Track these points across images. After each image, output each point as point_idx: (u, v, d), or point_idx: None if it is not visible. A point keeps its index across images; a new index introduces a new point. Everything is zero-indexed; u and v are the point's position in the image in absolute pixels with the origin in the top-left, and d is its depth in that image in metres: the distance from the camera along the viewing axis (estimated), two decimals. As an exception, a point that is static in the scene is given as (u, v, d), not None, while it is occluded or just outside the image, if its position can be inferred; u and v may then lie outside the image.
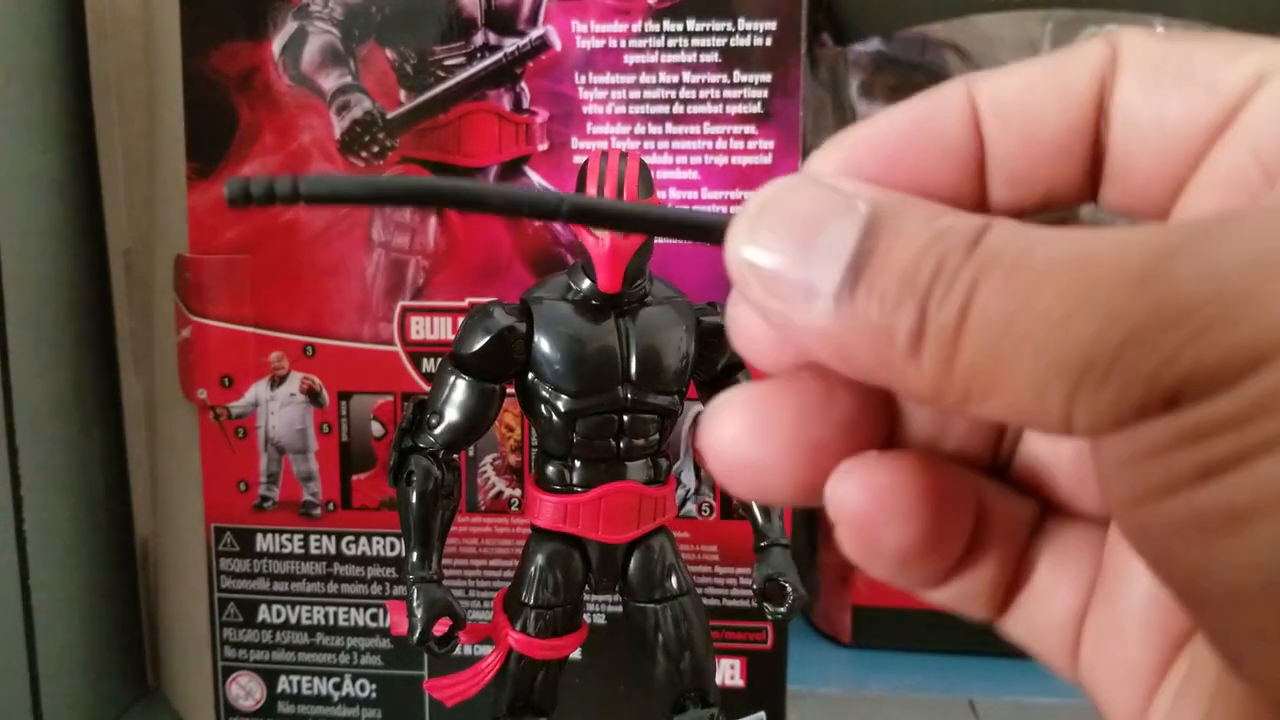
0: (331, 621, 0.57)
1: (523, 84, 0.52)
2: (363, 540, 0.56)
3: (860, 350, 0.16)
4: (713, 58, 0.51)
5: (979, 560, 0.20)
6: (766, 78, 0.51)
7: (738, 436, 0.18)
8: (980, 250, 0.16)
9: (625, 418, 0.41)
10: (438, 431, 0.42)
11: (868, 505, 0.18)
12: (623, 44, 0.51)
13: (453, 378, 0.42)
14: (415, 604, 0.42)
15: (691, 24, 0.51)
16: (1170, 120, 0.18)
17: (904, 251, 0.16)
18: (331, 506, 0.56)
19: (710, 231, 0.19)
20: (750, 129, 0.52)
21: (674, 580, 0.44)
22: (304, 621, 0.57)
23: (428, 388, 0.50)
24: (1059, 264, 0.15)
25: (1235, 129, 0.17)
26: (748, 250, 0.17)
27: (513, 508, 0.55)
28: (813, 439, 0.18)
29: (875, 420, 0.19)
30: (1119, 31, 0.19)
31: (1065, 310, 0.15)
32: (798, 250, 0.17)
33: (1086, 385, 0.15)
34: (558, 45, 0.52)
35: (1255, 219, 0.14)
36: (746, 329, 0.19)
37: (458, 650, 0.43)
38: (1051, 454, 0.20)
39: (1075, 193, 0.19)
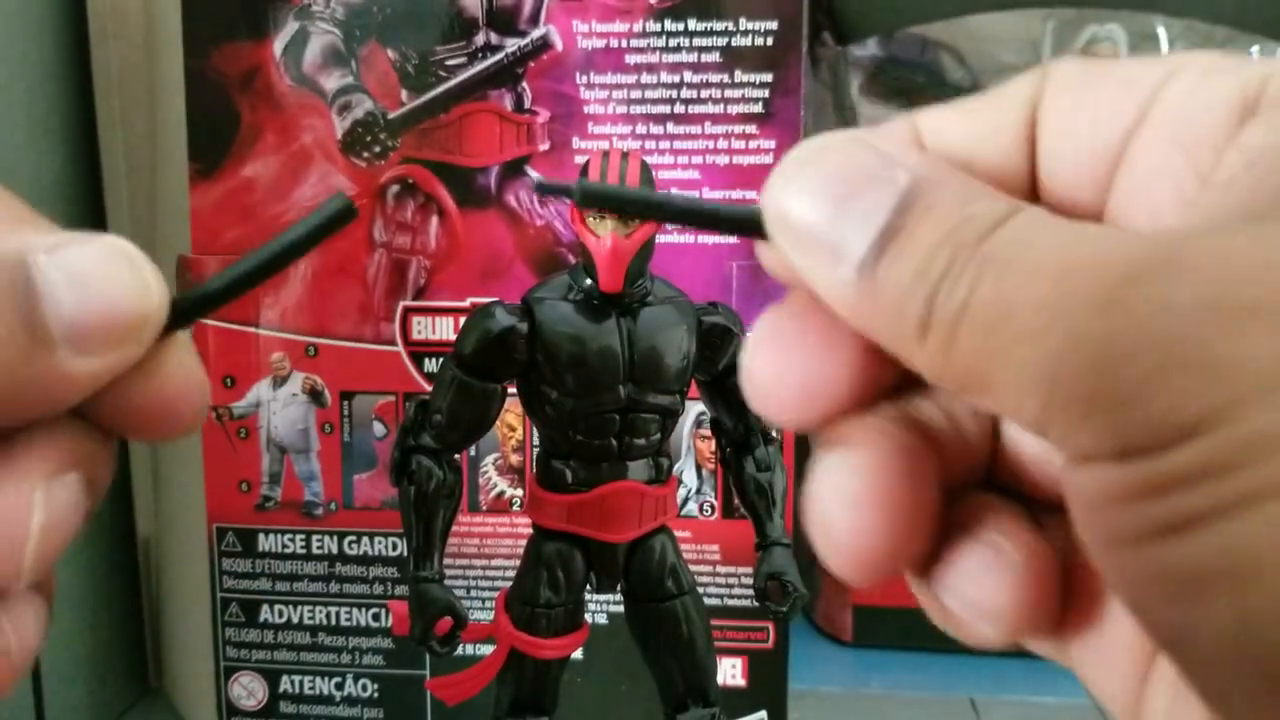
0: (333, 621, 0.57)
1: (524, 84, 0.52)
2: (365, 540, 0.56)
3: (876, 321, 0.17)
4: (714, 57, 0.51)
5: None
6: (767, 77, 0.51)
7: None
8: (989, 244, 0.16)
9: (626, 417, 0.41)
10: (440, 431, 0.42)
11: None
12: (624, 44, 0.51)
13: (454, 377, 0.42)
14: (417, 604, 0.42)
15: (693, 24, 0.51)
16: (1088, 119, 0.18)
17: (928, 235, 0.16)
18: (334, 506, 0.56)
19: (747, 223, 0.19)
20: (751, 129, 0.52)
21: (675, 580, 0.44)
22: (306, 621, 0.57)
23: (429, 387, 0.50)
24: (1045, 269, 0.15)
25: (1151, 118, 0.17)
26: (784, 198, 0.17)
27: (514, 507, 0.55)
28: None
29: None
30: (1052, 62, 0.20)
31: (1041, 324, 0.15)
32: (833, 209, 0.17)
33: (1056, 405, 0.15)
34: (559, 45, 0.52)
35: (1218, 250, 0.14)
36: (763, 383, 0.19)
37: (459, 650, 0.43)
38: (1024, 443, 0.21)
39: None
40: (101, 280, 0.18)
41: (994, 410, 0.16)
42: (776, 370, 0.19)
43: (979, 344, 0.15)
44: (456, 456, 0.43)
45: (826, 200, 0.17)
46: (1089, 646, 0.19)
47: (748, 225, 0.18)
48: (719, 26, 0.51)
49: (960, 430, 0.20)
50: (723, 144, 0.52)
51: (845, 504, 0.18)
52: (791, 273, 0.18)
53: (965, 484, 0.20)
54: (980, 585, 0.18)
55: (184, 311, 0.19)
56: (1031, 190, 0.19)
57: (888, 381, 0.19)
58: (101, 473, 0.19)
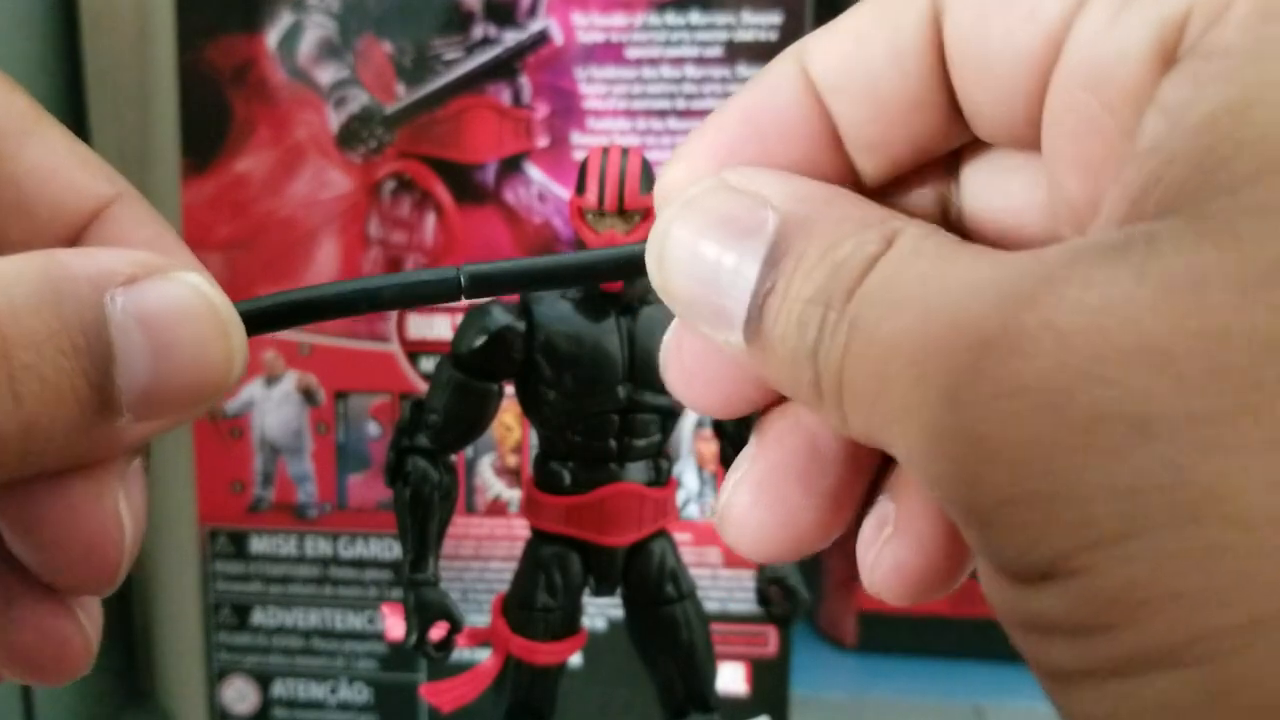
0: (327, 625, 0.56)
1: (522, 78, 0.52)
2: (359, 542, 0.55)
3: (777, 380, 0.16)
4: (716, 52, 0.51)
5: None
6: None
7: (750, 514, 0.18)
8: (855, 302, 0.15)
9: (625, 418, 0.41)
10: (435, 432, 0.41)
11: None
12: (624, 37, 0.51)
13: (451, 377, 0.41)
14: (412, 607, 0.41)
15: (695, 17, 0.51)
16: (996, 55, 0.16)
17: (801, 290, 0.15)
18: (327, 508, 0.55)
19: (630, 264, 0.18)
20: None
21: (675, 584, 0.43)
22: (299, 625, 0.56)
23: (425, 387, 0.49)
24: (905, 339, 0.14)
25: (1065, 61, 0.15)
26: (662, 273, 0.17)
27: (511, 509, 0.54)
28: (815, 501, 0.18)
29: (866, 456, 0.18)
30: None
31: (905, 408, 0.14)
32: (708, 279, 0.16)
33: (940, 497, 0.14)
34: (558, 39, 0.51)
35: (1072, 309, 0.12)
36: (680, 366, 0.18)
37: (455, 655, 0.42)
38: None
39: (945, 139, 0.17)
40: (187, 347, 0.16)
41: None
42: (693, 367, 0.18)
43: (864, 416, 0.15)
44: (452, 457, 0.42)
45: (697, 271, 0.16)
46: None
47: (634, 267, 0.18)
48: (721, 20, 0.51)
49: None
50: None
51: (745, 493, 0.18)
52: (696, 375, 0.18)
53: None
54: (868, 551, 0.18)
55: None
56: (956, 115, 0.17)
57: None
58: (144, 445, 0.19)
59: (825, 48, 0.17)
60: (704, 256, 0.16)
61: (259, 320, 0.18)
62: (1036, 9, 0.16)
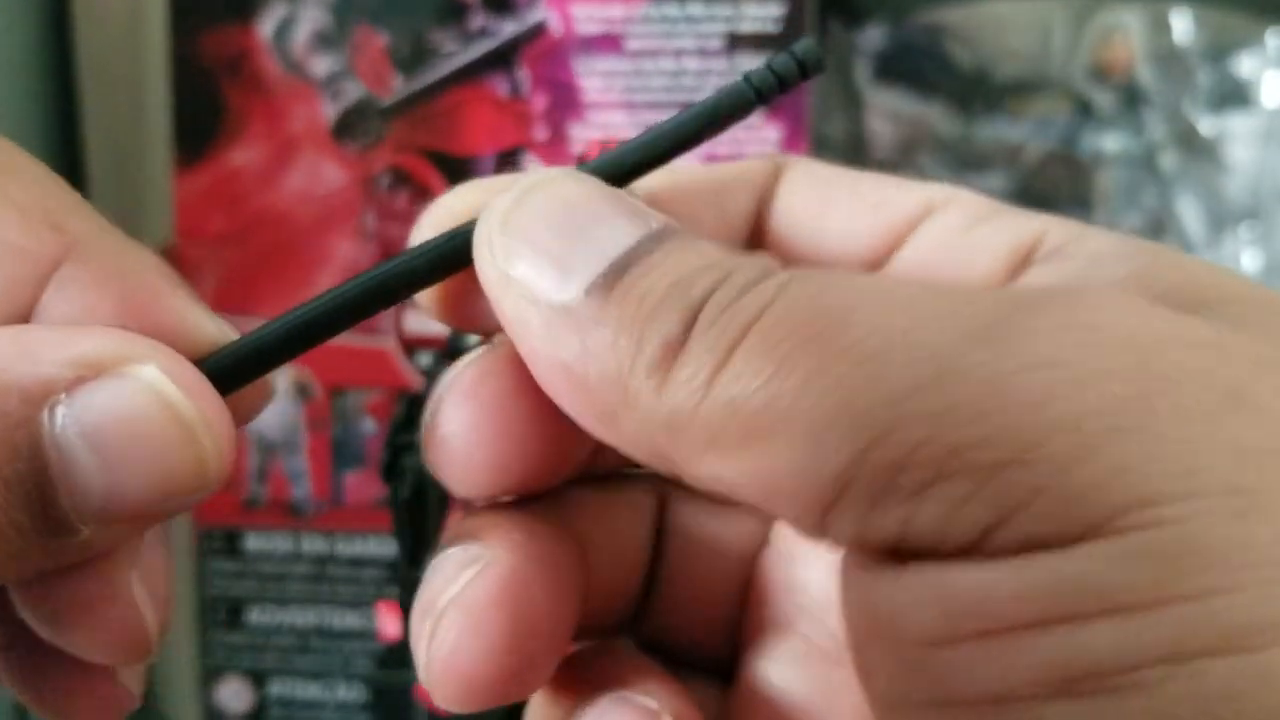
0: (323, 624, 0.56)
1: (520, 70, 0.51)
2: (355, 540, 0.55)
3: (595, 355, 0.13)
4: (717, 44, 0.50)
5: None
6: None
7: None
8: (784, 281, 0.14)
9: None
10: (432, 429, 0.41)
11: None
12: (624, 29, 0.50)
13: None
14: (409, 606, 0.41)
15: (695, 9, 0.50)
16: (832, 234, 0.16)
17: (685, 262, 0.14)
18: (323, 505, 0.55)
19: (456, 252, 0.16)
20: (755, 117, 0.51)
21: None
22: (295, 624, 0.56)
23: (422, 383, 0.49)
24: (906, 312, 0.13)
25: (908, 252, 0.16)
26: (501, 226, 0.15)
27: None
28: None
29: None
30: (784, 157, 0.18)
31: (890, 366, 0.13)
32: (562, 232, 0.14)
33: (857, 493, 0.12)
34: (557, 30, 0.51)
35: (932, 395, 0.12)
36: (446, 440, 0.16)
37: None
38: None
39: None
40: (143, 460, 0.14)
41: (734, 480, 0.13)
42: (470, 429, 0.16)
43: (754, 382, 0.13)
44: (450, 455, 0.42)
45: (556, 223, 0.15)
46: None
47: (449, 261, 0.16)
48: (722, 12, 0.50)
49: (615, 559, 0.18)
50: (726, 133, 0.51)
51: (464, 607, 0.16)
52: (464, 454, 0.16)
53: (604, 626, 0.18)
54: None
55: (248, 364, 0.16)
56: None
57: (564, 472, 0.17)
58: None
59: (660, 180, 0.18)
60: (567, 217, 0.15)
61: (295, 339, 0.16)
62: (882, 203, 0.16)
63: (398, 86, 0.52)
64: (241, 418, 0.17)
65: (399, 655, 0.55)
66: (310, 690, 0.56)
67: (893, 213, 0.16)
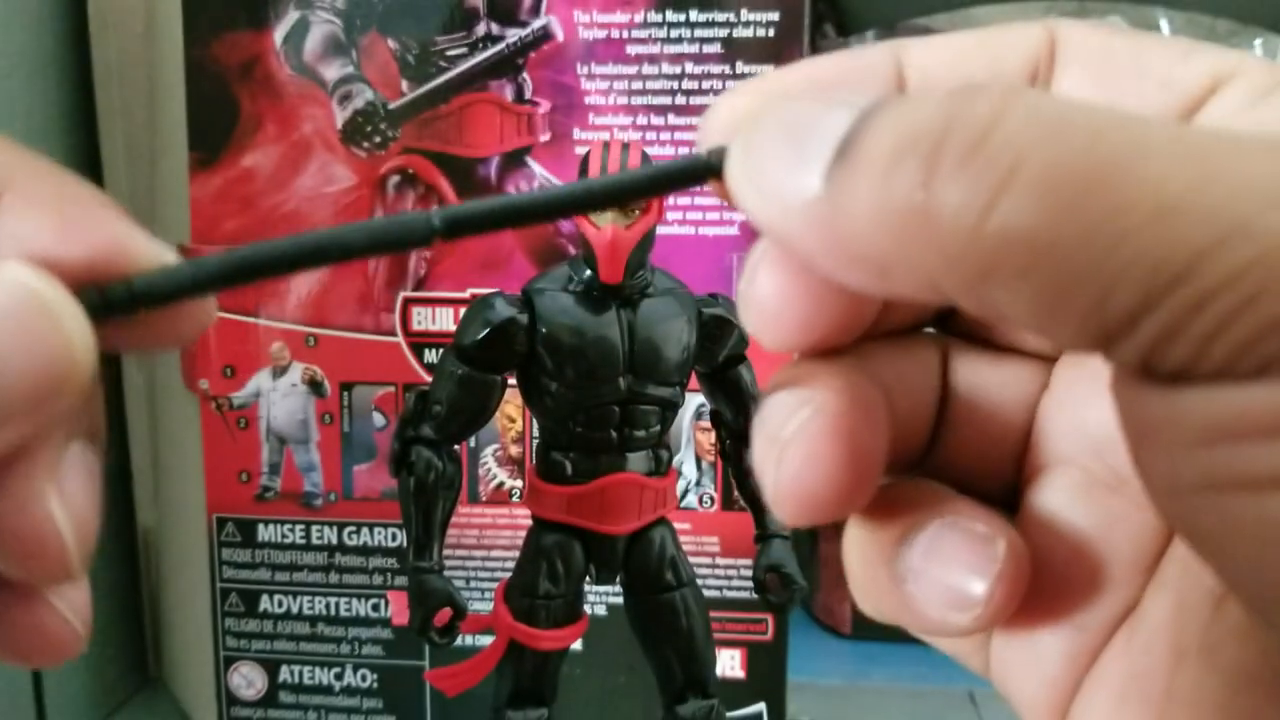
0: (333, 612, 0.57)
1: (525, 75, 0.52)
2: (364, 531, 0.56)
3: (856, 219, 0.14)
4: (715, 49, 0.51)
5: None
6: (769, 69, 0.51)
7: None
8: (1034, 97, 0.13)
9: (626, 409, 0.41)
10: (439, 422, 0.42)
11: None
12: (625, 34, 0.51)
13: (454, 369, 0.42)
14: (416, 594, 0.42)
15: (694, 14, 0.51)
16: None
17: (915, 111, 0.14)
18: (333, 497, 0.56)
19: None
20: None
21: (675, 572, 0.44)
22: (305, 612, 0.57)
23: (429, 378, 0.50)
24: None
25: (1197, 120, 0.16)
26: (741, 146, 0.16)
27: (514, 498, 0.55)
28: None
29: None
30: (1057, 21, 0.18)
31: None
32: (788, 138, 0.15)
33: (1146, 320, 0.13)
34: (560, 36, 0.52)
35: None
36: (759, 301, 0.18)
37: (459, 641, 0.43)
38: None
39: None
40: (12, 343, 0.15)
41: (1022, 304, 0.14)
42: (780, 289, 0.17)
43: (1031, 200, 0.13)
44: (456, 448, 0.43)
45: (782, 133, 0.15)
46: (1016, 647, 0.19)
47: (695, 173, 0.17)
48: (720, 17, 0.51)
49: (909, 404, 0.19)
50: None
51: (804, 439, 0.17)
52: (771, 309, 0.17)
53: (904, 463, 0.20)
54: (955, 570, 0.17)
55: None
56: None
57: (857, 329, 0.18)
58: (96, 420, 0.18)
59: (926, 50, 0.18)
60: (789, 126, 0.15)
61: (231, 273, 0.16)
62: (1171, 80, 0.16)
63: (406, 91, 0.53)
64: (179, 336, 0.17)
65: (407, 642, 0.56)
66: (320, 675, 0.57)
67: (1180, 92, 0.16)
